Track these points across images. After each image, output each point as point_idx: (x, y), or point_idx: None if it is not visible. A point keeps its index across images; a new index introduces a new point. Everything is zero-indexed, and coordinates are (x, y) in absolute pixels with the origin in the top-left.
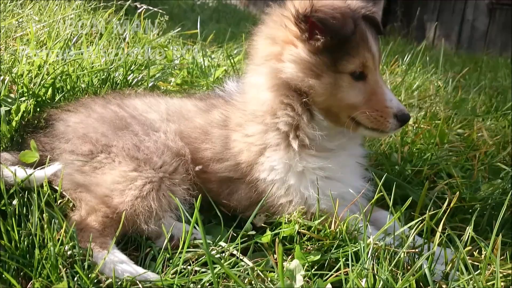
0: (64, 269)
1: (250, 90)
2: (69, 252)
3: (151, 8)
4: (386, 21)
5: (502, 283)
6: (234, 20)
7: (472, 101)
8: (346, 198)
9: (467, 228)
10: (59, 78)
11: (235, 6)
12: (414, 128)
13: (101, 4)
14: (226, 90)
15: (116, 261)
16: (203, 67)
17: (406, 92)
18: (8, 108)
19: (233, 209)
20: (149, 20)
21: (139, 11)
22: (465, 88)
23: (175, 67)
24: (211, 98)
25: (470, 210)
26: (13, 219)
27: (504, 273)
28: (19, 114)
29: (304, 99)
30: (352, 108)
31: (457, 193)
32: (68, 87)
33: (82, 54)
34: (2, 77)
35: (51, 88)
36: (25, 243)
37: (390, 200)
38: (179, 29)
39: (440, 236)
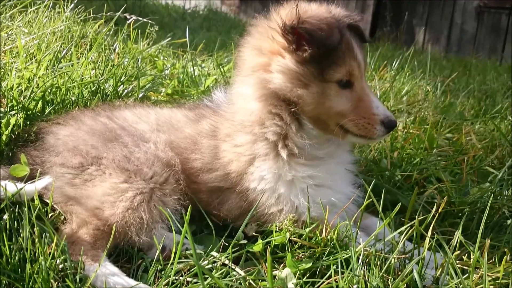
0: (56, 283)
1: (238, 101)
2: (60, 266)
3: (140, 18)
4: (375, 26)
5: (491, 286)
6: (224, 28)
7: (460, 105)
8: (336, 205)
9: (456, 232)
10: (49, 91)
11: (225, 14)
12: (404, 133)
13: (91, 15)
14: (214, 101)
15: (108, 274)
16: (193, 76)
17: (395, 98)
18: None
19: (223, 218)
20: (139, 30)
21: (129, 21)
22: (454, 92)
23: (166, 77)
24: (200, 108)
25: (460, 214)
26: (3, 233)
27: (493, 276)
28: (9, 128)
29: (292, 109)
30: (340, 116)
31: (445, 197)
32: (58, 99)
33: (72, 66)
34: None
35: (41, 101)
36: (16, 257)
37: (379, 206)
38: (169, 38)
39: (430, 241)
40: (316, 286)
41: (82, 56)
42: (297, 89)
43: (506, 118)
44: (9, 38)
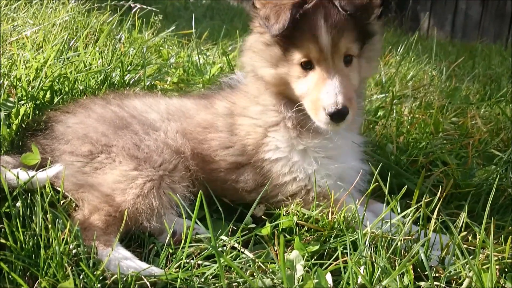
0: (70, 267)
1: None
2: (74, 251)
3: (145, 7)
4: (380, 12)
5: (497, 266)
6: (227, 16)
7: (466, 90)
8: (345, 178)
9: (462, 214)
10: (57, 80)
11: (228, 3)
12: (409, 118)
13: (95, 5)
14: (234, 79)
15: (120, 258)
16: (198, 65)
17: (401, 83)
18: (8, 112)
19: (240, 191)
20: (144, 19)
21: (133, 10)
22: (459, 77)
23: (171, 66)
24: (214, 95)
25: (465, 197)
26: (17, 220)
27: (499, 256)
28: (19, 118)
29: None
30: (301, 97)
31: (451, 180)
32: (66, 89)
33: (79, 56)
34: (1, 81)
35: (49, 90)
36: (30, 243)
37: (386, 188)
38: (174, 27)
39: (435, 222)
40: (323, 267)
41: (87, 46)
42: (264, 69)
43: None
44: (15, 29)
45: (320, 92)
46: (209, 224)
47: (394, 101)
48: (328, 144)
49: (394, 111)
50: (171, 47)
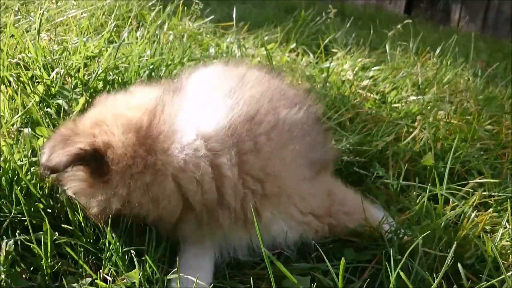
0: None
1: None
2: None
3: None
4: (411, 3)
5: None
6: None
7: (500, 95)
8: None
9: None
10: (111, 72)
11: None
12: (446, 123)
13: None
14: None
15: None
16: (237, 57)
17: (438, 86)
18: (66, 100)
19: None
20: (185, 7)
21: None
22: (493, 80)
23: (210, 56)
24: None
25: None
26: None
27: None
28: (79, 107)
29: None
30: None
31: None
32: (119, 80)
33: (130, 45)
34: (57, 69)
35: (102, 81)
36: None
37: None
38: (213, 16)
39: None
40: None
41: (132, 33)
42: None
43: None
44: (60, 10)
45: None
46: None
47: (435, 109)
48: None
49: (431, 117)
50: (208, 35)
